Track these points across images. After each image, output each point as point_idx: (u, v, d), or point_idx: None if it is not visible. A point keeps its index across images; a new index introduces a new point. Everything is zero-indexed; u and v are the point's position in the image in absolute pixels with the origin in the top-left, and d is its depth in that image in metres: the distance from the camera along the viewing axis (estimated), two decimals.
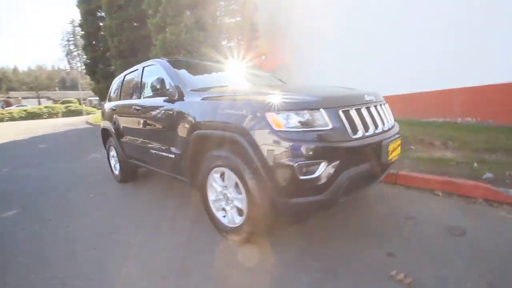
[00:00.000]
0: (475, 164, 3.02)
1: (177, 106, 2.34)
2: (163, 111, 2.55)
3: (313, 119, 1.66)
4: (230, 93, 2.07)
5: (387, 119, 2.09)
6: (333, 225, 2.13)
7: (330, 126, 1.67)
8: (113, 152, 4.06)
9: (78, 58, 39.82)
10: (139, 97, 3.15)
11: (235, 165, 1.82)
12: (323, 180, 1.61)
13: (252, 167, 1.74)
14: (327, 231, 2.05)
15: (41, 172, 5.00)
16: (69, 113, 26.66)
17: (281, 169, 1.61)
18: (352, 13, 6.61)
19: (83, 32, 12.74)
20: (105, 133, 4.28)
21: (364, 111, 1.88)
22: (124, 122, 3.45)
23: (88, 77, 14.52)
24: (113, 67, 12.19)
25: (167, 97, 2.50)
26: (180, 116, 2.28)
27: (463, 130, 4.35)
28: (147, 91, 3.02)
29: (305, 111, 1.65)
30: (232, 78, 3.06)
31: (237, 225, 1.93)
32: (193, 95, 2.28)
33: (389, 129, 2.04)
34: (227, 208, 2.03)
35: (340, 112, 1.72)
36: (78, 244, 2.22)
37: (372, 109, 1.97)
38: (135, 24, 10.54)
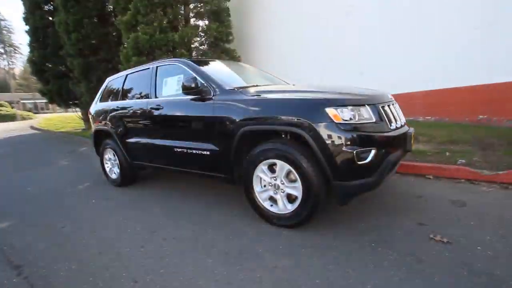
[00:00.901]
0: (447, 153, 3.70)
1: (217, 104, 2.43)
2: (196, 109, 2.60)
3: (361, 113, 1.96)
4: (279, 92, 2.26)
5: (401, 114, 2.52)
6: (362, 207, 2.46)
7: (374, 119, 1.99)
8: (109, 155, 3.86)
9: (4, 56, 34.73)
10: (153, 97, 3.10)
11: (291, 155, 2.02)
12: (373, 164, 1.93)
13: (310, 156, 1.97)
14: (359, 212, 2.37)
15: (13, 183, 4.45)
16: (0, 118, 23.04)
17: (342, 156, 1.87)
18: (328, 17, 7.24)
19: (28, 27, 11.28)
20: (98, 136, 4.03)
21: (391, 107, 2.26)
22: (133, 122, 3.34)
23: (25, 78, 12.84)
24: (66, 67, 11.10)
25: (199, 96, 2.57)
26: (222, 113, 2.38)
27: (425, 127, 5.18)
28: (167, 90, 3.01)
29: (356, 107, 1.95)
30: (250, 78, 3.22)
31: (290, 211, 2.13)
32: (234, 93, 2.41)
33: (404, 123, 2.47)
34: (277, 196, 2.20)
35: (380, 108, 2.06)
36: (154, 253, 2.16)
37: (392, 106, 2.36)
38: (95, 20, 9.80)
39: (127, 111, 3.40)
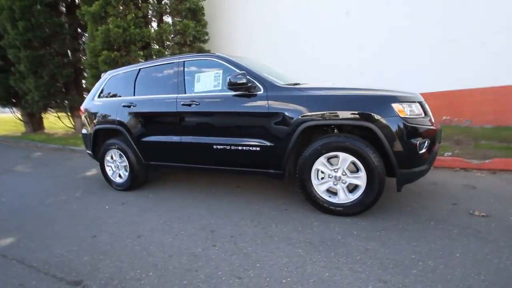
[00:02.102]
0: None
1: (272, 100, 2.46)
2: (244, 105, 2.58)
3: (413, 109, 2.24)
4: (335, 89, 2.40)
5: None
6: (392, 195, 2.75)
7: (423, 115, 2.29)
8: (113, 157, 3.50)
9: None
10: (182, 92, 2.95)
11: (356, 147, 2.18)
12: (427, 153, 2.21)
13: (375, 147, 2.17)
14: (394, 200, 2.65)
15: None
16: None
17: (407, 146, 2.11)
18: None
19: None
20: (98, 136, 3.61)
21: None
22: (155, 119, 3.11)
23: None
24: (4, 60, 9.46)
25: (247, 92, 2.56)
26: (280, 109, 2.42)
27: None
28: (201, 86, 2.90)
29: (411, 103, 2.22)
30: (282, 74, 3.26)
31: (351, 200, 2.28)
32: (290, 90, 2.47)
33: None
34: (337, 187, 2.34)
35: (424, 105, 2.38)
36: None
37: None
38: (47, 8, 8.61)
39: (146, 107, 3.15)
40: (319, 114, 2.29)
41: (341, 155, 2.27)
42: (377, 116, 2.13)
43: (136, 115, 3.21)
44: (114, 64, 7.13)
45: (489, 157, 3.57)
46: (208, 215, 2.60)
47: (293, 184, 3.21)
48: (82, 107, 3.85)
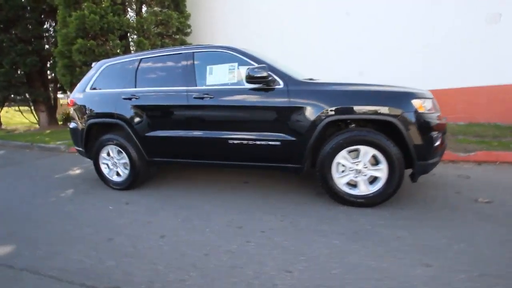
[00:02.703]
0: None
1: (294, 94, 2.46)
2: (263, 99, 2.55)
3: (428, 105, 2.38)
4: (359, 84, 2.46)
5: None
6: (402, 187, 2.92)
7: (434, 110, 2.45)
8: (111, 153, 3.26)
9: None
10: (193, 85, 2.82)
11: (378, 141, 2.27)
12: (440, 146, 2.38)
13: (394, 140, 2.27)
14: (403, 191, 2.82)
15: None
16: None
17: (425, 139, 2.25)
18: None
19: None
20: (92, 131, 3.32)
21: None
22: (163, 112, 2.94)
23: None
24: None
25: (266, 86, 2.53)
26: (302, 103, 2.43)
27: None
28: (214, 79, 2.80)
29: (425, 99, 2.36)
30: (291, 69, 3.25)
31: (372, 191, 2.38)
32: (311, 84, 2.49)
33: None
34: (358, 180, 2.42)
35: (434, 101, 2.54)
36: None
37: None
38: None
39: (152, 100, 2.96)
40: (343, 108, 2.34)
41: (363, 148, 2.35)
42: (399, 111, 2.23)
43: (140, 108, 3.01)
44: (90, 53, 6.60)
45: (470, 150, 3.94)
46: (226, 211, 2.53)
47: (301, 178, 3.27)
48: (70, 99, 3.51)
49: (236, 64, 2.74)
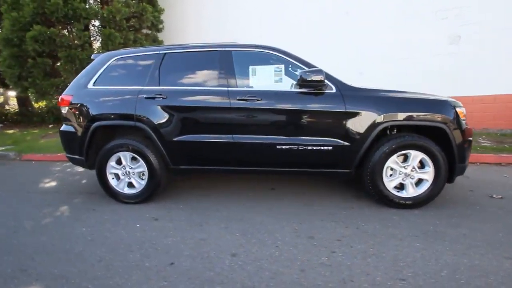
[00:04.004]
0: None
1: (349, 99, 2.46)
2: (315, 103, 2.49)
3: (464, 112, 2.64)
4: (407, 92, 2.57)
5: None
6: None
7: (465, 118, 2.73)
8: (121, 162, 2.78)
9: None
10: (234, 86, 2.60)
11: (427, 146, 2.43)
12: (470, 149, 2.66)
13: (441, 145, 2.46)
14: None
15: None
16: None
17: (465, 144, 2.49)
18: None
19: None
20: (96, 135, 2.78)
21: None
22: (198, 115, 2.64)
23: None
24: None
25: (316, 90, 2.49)
26: (358, 108, 2.45)
27: None
28: (259, 80, 2.63)
29: (463, 108, 2.61)
30: None
31: (419, 193, 2.51)
32: (362, 91, 2.53)
33: None
34: (405, 182, 2.53)
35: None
36: None
37: None
38: None
39: (184, 100, 2.63)
40: (397, 115, 2.44)
41: (413, 152, 2.48)
42: (447, 118, 2.43)
43: (168, 109, 2.64)
44: (49, 42, 5.57)
45: None
46: (281, 221, 2.39)
47: (321, 181, 3.30)
48: (65, 96, 2.88)
49: (282, 66, 2.63)
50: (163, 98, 2.65)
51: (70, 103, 2.84)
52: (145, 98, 2.67)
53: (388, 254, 1.87)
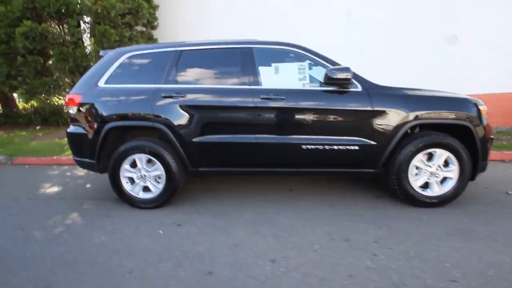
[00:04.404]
0: None
1: (376, 98, 2.43)
2: (342, 102, 2.45)
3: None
4: (431, 91, 2.57)
5: None
6: None
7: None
8: (136, 165, 2.63)
9: None
10: (255, 84, 2.51)
11: (453, 144, 2.43)
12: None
13: (465, 143, 2.47)
14: None
15: None
16: None
17: (488, 142, 2.51)
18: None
19: None
20: (110, 137, 2.62)
21: None
22: (219, 114, 2.53)
23: None
24: None
25: (342, 88, 2.45)
26: (386, 107, 2.42)
27: None
28: (282, 78, 2.55)
29: (484, 106, 2.63)
30: None
31: (445, 192, 2.51)
32: (388, 89, 2.50)
33: None
34: (431, 181, 2.53)
35: None
36: None
37: None
38: None
39: (205, 99, 2.52)
40: (425, 113, 2.43)
41: (438, 151, 2.47)
42: (472, 116, 2.44)
43: (187, 108, 2.51)
44: (41, 39, 5.25)
45: None
46: (309, 223, 2.32)
47: (337, 180, 3.27)
48: (73, 95, 2.69)
49: (306, 64, 2.56)
50: (181, 97, 2.52)
51: (80, 103, 2.65)
52: (163, 97, 2.53)
53: (429, 254, 1.84)
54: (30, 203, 2.96)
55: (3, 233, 2.32)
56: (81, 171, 4.09)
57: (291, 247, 1.98)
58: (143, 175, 2.66)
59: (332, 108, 2.48)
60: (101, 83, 2.68)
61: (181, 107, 2.52)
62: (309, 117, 2.51)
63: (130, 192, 2.68)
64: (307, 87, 2.54)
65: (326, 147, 2.49)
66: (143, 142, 2.59)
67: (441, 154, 2.48)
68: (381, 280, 1.60)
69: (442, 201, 2.54)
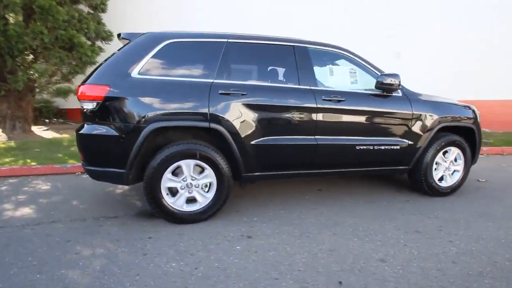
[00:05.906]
0: None
1: (415, 102, 2.73)
2: (388, 105, 2.66)
3: None
4: (440, 97, 3.01)
5: None
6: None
7: None
8: (175, 173, 2.25)
9: None
10: (314, 85, 2.47)
11: (463, 142, 2.95)
12: None
13: (467, 143, 3.03)
14: None
15: None
16: None
17: (480, 140, 3.13)
18: None
19: None
20: (150, 139, 2.14)
21: None
22: (281, 115, 2.38)
23: None
24: None
25: (387, 93, 2.67)
26: (423, 110, 2.75)
27: None
28: (337, 80, 2.58)
29: (477, 111, 3.25)
30: None
31: (454, 183, 3.01)
32: (419, 95, 2.85)
33: None
34: (445, 174, 2.99)
35: None
36: None
37: None
38: None
39: (266, 98, 2.32)
40: (449, 117, 2.88)
41: (452, 149, 2.96)
42: (474, 120, 3.02)
43: (248, 107, 2.27)
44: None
45: None
46: (370, 219, 2.43)
47: (354, 179, 3.54)
48: (95, 86, 2.06)
49: (356, 68, 2.67)
50: (242, 94, 2.27)
51: (106, 97, 2.06)
52: (220, 93, 2.22)
53: (488, 235, 2.19)
54: (32, 230, 2.12)
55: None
56: (70, 182, 3.20)
57: (380, 244, 2.04)
58: (189, 184, 2.27)
59: (382, 110, 2.66)
60: (135, 73, 2.15)
61: (241, 105, 2.26)
62: (363, 119, 2.63)
63: (171, 205, 2.24)
64: (362, 90, 2.66)
65: (375, 147, 2.66)
66: (193, 146, 2.21)
67: (453, 151, 2.98)
68: (477, 262, 1.83)
69: (452, 190, 3.04)
